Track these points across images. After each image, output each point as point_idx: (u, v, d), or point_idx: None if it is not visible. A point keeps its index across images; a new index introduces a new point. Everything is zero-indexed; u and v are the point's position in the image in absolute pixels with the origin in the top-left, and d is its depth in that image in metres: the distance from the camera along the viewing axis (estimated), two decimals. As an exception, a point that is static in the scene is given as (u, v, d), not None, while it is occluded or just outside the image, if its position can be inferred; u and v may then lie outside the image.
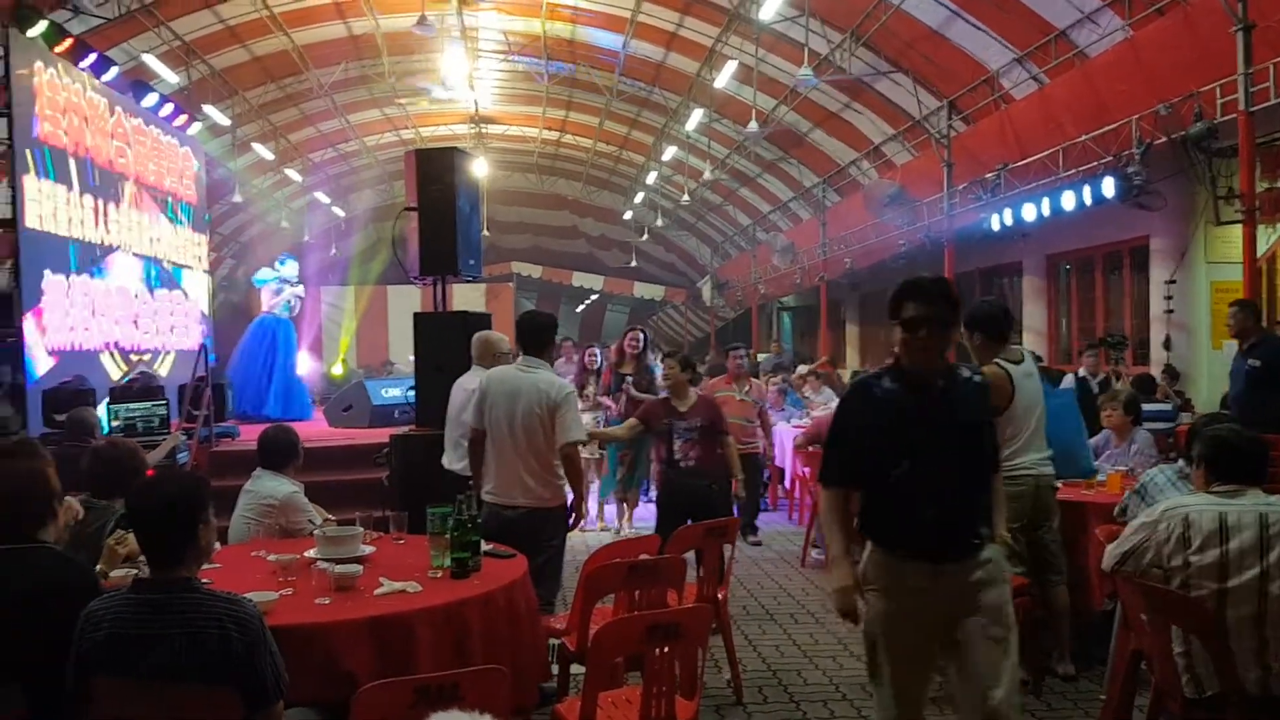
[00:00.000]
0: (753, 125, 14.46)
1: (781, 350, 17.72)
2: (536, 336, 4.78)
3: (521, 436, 4.56)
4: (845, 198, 17.38)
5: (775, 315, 26.67)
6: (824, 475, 3.07)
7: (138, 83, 11.50)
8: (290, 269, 11.07)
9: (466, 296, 21.52)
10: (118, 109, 10.84)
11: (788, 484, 9.63)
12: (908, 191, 14.19)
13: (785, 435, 9.20)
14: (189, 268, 13.07)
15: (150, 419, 7.93)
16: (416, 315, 6.81)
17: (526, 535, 4.39)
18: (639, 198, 24.12)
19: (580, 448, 4.70)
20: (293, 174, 20.61)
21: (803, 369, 12.13)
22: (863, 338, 21.39)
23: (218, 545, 3.82)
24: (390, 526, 4.33)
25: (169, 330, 12.12)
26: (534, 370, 4.69)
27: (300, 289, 11.23)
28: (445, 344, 6.33)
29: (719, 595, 4.66)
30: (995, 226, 11.72)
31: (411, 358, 7.19)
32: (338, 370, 18.72)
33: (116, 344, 10.46)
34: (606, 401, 8.58)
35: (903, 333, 2.89)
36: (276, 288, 10.95)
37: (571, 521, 4.76)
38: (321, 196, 22.95)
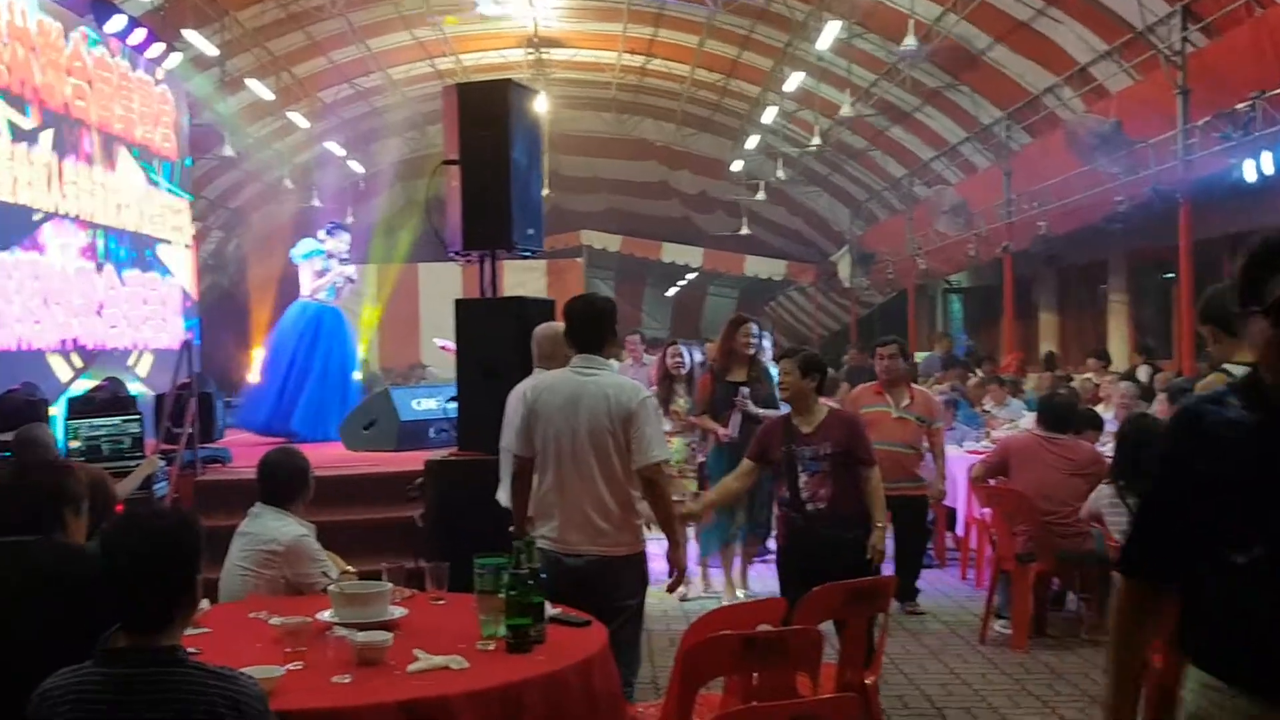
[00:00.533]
0: (909, 41, 14.27)
1: (951, 346, 17.44)
2: (594, 328, 4.82)
3: (588, 460, 4.64)
4: (1038, 138, 17.12)
5: (940, 299, 26.35)
6: (1125, 560, 2.69)
7: (100, 0, 11.76)
8: (340, 242, 11.21)
9: (523, 277, 21.64)
10: (74, 35, 11.17)
11: (960, 531, 9.54)
12: (1125, 129, 13.87)
13: (956, 463, 9.13)
14: (167, 242, 13.43)
15: (119, 438, 8.09)
16: (458, 303, 6.95)
17: (594, 592, 4.44)
18: (752, 142, 24.00)
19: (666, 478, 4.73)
20: (298, 119, 20.99)
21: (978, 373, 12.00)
22: (1062, 329, 21.07)
23: (206, 604, 3.94)
24: (427, 582, 4.41)
25: (142, 323, 12.44)
26: (596, 372, 4.75)
27: (351, 270, 11.41)
28: (496, 340, 6.42)
29: (866, 681, 4.64)
30: (1250, 176, 11.40)
31: (451, 357, 7.30)
32: (355, 375, 18.91)
33: (75, 341, 10.82)
34: (708, 424, 8.29)
35: (1271, 327, 2.42)
36: (322, 266, 11.07)
37: (671, 581, 4.81)
38: (334, 148, 23.31)
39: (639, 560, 4.70)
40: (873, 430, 6.37)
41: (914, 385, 8.69)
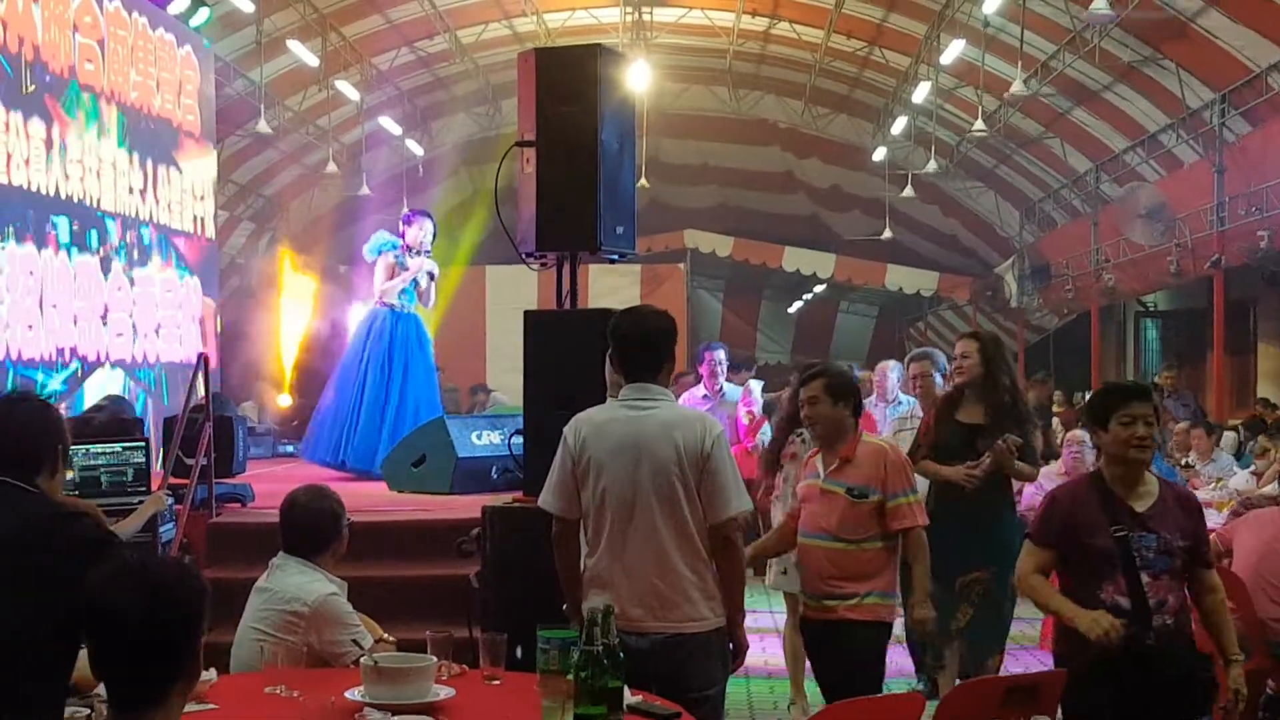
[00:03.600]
0: (1100, 4, 14.14)
1: (1176, 386, 16.75)
2: (650, 350, 4.85)
3: (653, 514, 4.66)
4: (1260, 126, 16.85)
5: (1132, 324, 25.91)
6: None
7: (115, -55, 11.99)
8: (421, 231, 11.39)
9: (612, 284, 21.37)
10: (85, -15, 11.40)
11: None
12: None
13: None
14: (187, 234, 13.58)
15: (120, 469, 8.07)
16: (528, 315, 6.92)
17: (665, 680, 4.44)
18: (899, 126, 23.93)
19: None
20: (347, 89, 21.26)
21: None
22: (1288, 366, 20.71)
23: (213, 674, 4.00)
24: (481, 656, 4.39)
25: (154, 331, 12.51)
26: (653, 405, 4.77)
27: (433, 264, 11.53)
28: (573, 362, 6.36)
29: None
30: None
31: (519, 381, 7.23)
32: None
33: (73, 351, 10.93)
34: (945, 471, 7.35)
35: None
36: (393, 260, 11.25)
37: (734, 664, 4.81)
38: (389, 125, 23.57)
39: (719, 638, 4.71)
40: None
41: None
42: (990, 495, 7.20)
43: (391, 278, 11.16)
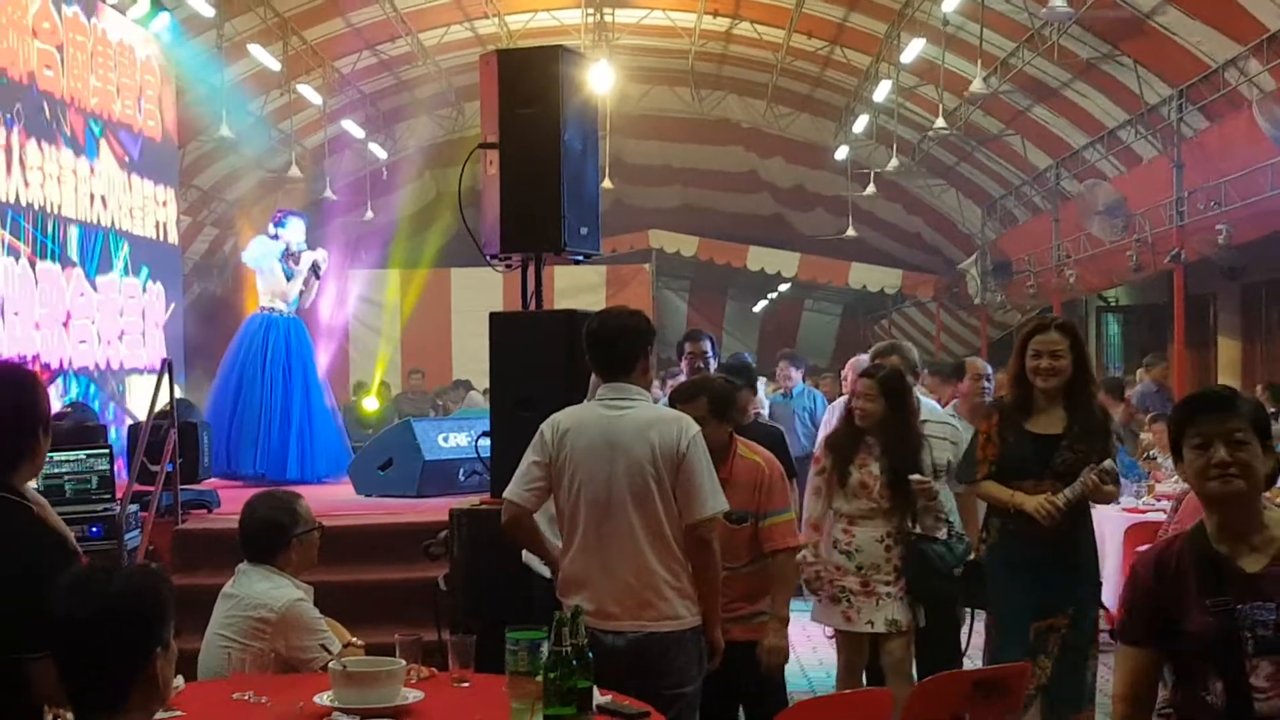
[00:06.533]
0: (1058, 1, 14.11)
1: (1165, 376, 16.50)
2: (624, 349, 4.87)
3: (629, 513, 4.68)
4: (1217, 122, 16.89)
5: (1094, 320, 25.97)
6: None
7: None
8: (295, 231, 11.43)
9: (577, 285, 21.56)
10: (42, -11, 11.34)
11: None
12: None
13: (1109, 524, 8.67)
14: (149, 240, 13.54)
15: (84, 477, 8.11)
16: (493, 317, 6.93)
17: (640, 677, 4.47)
18: (860, 125, 23.84)
19: None
20: (309, 93, 21.17)
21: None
22: (1244, 358, 20.81)
23: (180, 681, 3.95)
24: (449, 659, 4.40)
25: (117, 338, 12.48)
26: (629, 404, 4.79)
27: (321, 254, 11.62)
28: (538, 363, 6.41)
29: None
30: None
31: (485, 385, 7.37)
32: (372, 405, 18.96)
33: (35, 358, 10.86)
34: (1018, 498, 6.01)
35: None
36: (272, 267, 11.26)
37: (709, 665, 4.80)
38: (352, 128, 23.51)
39: (694, 637, 4.72)
40: None
41: None
42: (1067, 523, 5.95)
43: (277, 281, 11.22)
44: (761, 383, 10.64)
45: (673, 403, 5.74)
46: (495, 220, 6.75)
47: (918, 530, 6.36)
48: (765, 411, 10.43)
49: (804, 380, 13.35)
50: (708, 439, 5.09)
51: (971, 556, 6.35)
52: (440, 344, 23.72)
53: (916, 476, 6.23)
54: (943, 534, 6.44)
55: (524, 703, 3.65)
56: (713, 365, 9.81)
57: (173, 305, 14.17)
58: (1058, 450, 5.98)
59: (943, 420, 7.44)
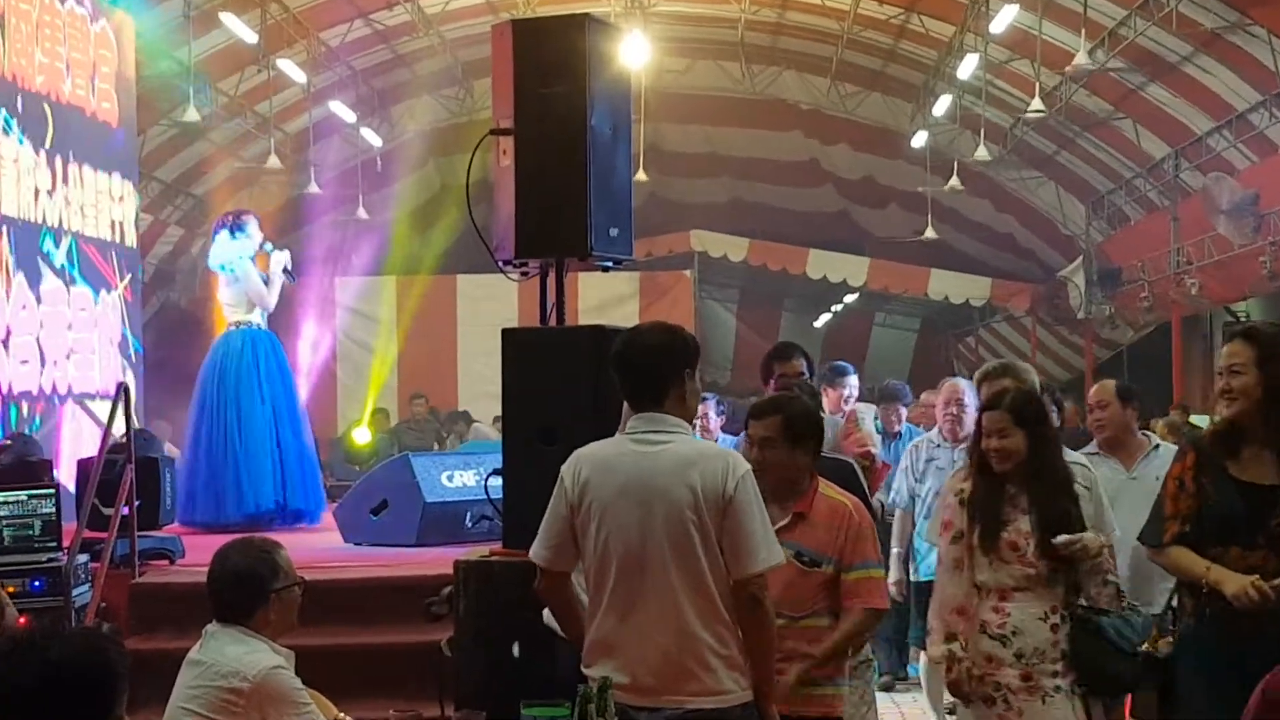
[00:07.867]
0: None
1: None
2: (658, 372, 4.72)
3: (666, 568, 4.54)
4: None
5: (1222, 337, 25.21)
6: None
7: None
8: (257, 231, 11.27)
9: (605, 294, 21.91)
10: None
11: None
12: None
13: None
14: (103, 242, 13.33)
15: (25, 521, 8.13)
16: (505, 334, 6.76)
17: None
18: (941, 107, 23.59)
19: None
20: (291, 69, 20.97)
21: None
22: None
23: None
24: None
25: (65, 358, 12.37)
26: (665, 439, 4.63)
27: (285, 255, 11.46)
28: (561, 389, 6.27)
29: None
30: None
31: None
32: (363, 436, 19.18)
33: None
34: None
35: None
36: (246, 271, 11.04)
37: None
38: (341, 110, 23.29)
39: (745, 714, 4.57)
40: None
41: None
42: None
43: (240, 289, 11.14)
44: (868, 412, 9.96)
45: (746, 422, 5.84)
46: (509, 219, 6.66)
47: (1082, 602, 5.83)
48: (878, 450, 9.24)
49: (906, 419, 11.28)
50: (777, 468, 5.28)
51: (1146, 647, 5.46)
52: (444, 365, 23.81)
53: (1064, 537, 5.63)
54: (1113, 603, 5.97)
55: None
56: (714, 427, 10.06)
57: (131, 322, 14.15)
58: (1276, 504, 4.99)
59: (1073, 461, 6.57)
